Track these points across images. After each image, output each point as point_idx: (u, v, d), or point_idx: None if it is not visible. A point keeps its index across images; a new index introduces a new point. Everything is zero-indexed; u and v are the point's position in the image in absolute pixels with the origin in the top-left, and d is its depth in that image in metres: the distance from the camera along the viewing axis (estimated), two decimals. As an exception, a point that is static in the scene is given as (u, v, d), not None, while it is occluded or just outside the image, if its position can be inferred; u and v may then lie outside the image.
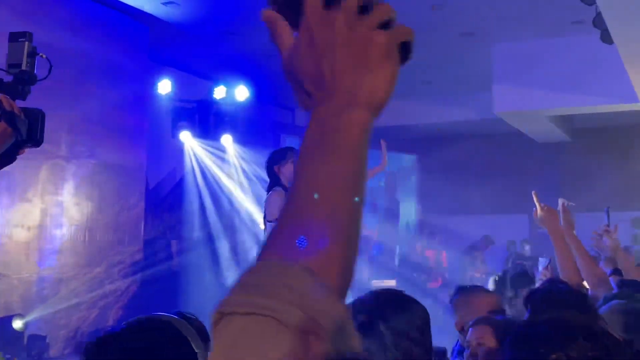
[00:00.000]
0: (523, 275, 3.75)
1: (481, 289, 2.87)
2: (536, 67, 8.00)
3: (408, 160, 11.65)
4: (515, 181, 11.15)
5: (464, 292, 2.80)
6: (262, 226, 5.24)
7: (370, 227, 11.09)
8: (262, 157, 8.58)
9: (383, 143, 5.10)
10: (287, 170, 4.97)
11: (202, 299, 7.67)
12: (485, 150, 11.46)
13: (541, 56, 8.00)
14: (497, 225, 10.50)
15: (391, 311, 1.65)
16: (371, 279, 9.71)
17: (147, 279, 7.28)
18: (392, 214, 11.25)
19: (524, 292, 3.29)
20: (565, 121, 10.14)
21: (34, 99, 6.02)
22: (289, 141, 10.40)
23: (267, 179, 5.13)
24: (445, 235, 10.58)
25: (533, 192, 3.32)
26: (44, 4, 6.18)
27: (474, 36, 7.92)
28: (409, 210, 11.45)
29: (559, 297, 2.31)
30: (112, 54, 6.81)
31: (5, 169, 5.56)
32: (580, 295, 2.39)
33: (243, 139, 8.46)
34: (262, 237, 5.11)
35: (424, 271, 9.18)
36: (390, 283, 9.18)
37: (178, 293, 7.66)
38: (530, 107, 8.26)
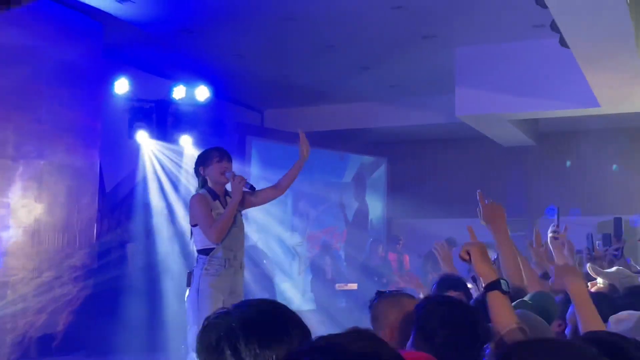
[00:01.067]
0: (446, 279, 3.58)
1: (402, 294, 2.71)
2: (498, 71, 7.95)
3: (367, 160, 11.57)
4: (480, 185, 11.09)
5: (382, 297, 2.66)
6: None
7: (340, 229, 10.99)
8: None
9: (301, 133, 4.92)
10: (211, 172, 4.82)
11: (155, 305, 7.52)
12: (451, 153, 11.42)
13: (503, 60, 7.95)
14: (462, 229, 10.42)
15: (251, 339, 1.40)
16: (335, 281, 9.61)
17: (100, 284, 7.11)
18: (361, 215, 11.15)
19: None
20: (530, 125, 10.10)
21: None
22: (255, 143, 10.26)
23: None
24: (409, 238, 10.50)
25: (478, 192, 3.18)
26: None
27: (436, 38, 7.85)
28: (376, 212, 11.37)
29: (439, 308, 2.21)
30: (64, 52, 6.64)
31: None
32: (461, 305, 2.28)
33: (204, 141, 8.30)
34: (193, 238, 4.90)
35: (384, 275, 9.09)
36: (352, 286, 9.08)
37: (132, 298, 7.49)
38: (492, 110, 8.20)
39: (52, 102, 6.51)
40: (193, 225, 4.76)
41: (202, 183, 4.86)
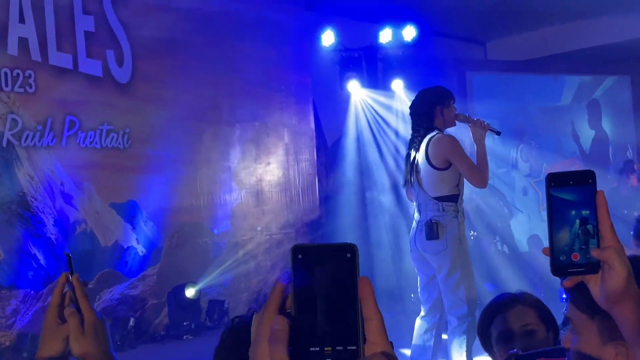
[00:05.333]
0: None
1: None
2: None
3: (587, 78, 10.36)
4: None
5: None
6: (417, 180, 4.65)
7: (579, 160, 10.09)
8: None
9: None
10: (449, 114, 4.45)
11: (385, 257, 7.41)
12: None
13: None
14: None
15: None
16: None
17: (328, 237, 7.15)
18: (600, 144, 10.14)
19: None
20: None
21: (189, 67, 6.04)
22: (475, 79, 9.71)
23: None
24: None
25: None
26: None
27: None
28: (617, 138, 10.23)
29: None
30: (268, 11, 6.66)
31: (167, 138, 5.61)
32: None
33: (417, 82, 7.96)
34: (427, 184, 4.48)
35: (635, 207, 8.09)
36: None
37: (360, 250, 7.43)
38: None
39: (261, 63, 6.57)
40: (440, 168, 4.42)
41: (429, 123, 4.49)
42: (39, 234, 5.02)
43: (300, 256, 0.80)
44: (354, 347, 0.77)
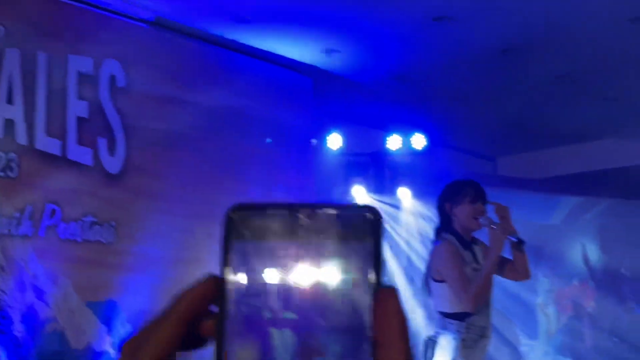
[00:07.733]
0: None
1: None
2: None
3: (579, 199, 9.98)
4: None
5: None
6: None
7: (591, 285, 9.63)
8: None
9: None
10: (460, 213, 3.97)
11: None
12: None
13: None
14: None
15: None
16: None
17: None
18: (612, 270, 9.69)
19: None
20: None
21: (186, 161, 5.73)
22: (487, 193, 9.43)
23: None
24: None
25: None
26: (200, 65, 5.98)
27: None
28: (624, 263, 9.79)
29: None
30: (274, 109, 6.44)
31: (156, 234, 5.21)
32: None
33: (426, 192, 7.68)
34: (432, 295, 4.05)
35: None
36: None
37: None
38: None
39: (263, 161, 6.29)
40: (437, 281, 3.95)
41: (446, 224, 4.04)
42: (4, 331, 4.58)
43: (246, 233, 0.39)
44: None
